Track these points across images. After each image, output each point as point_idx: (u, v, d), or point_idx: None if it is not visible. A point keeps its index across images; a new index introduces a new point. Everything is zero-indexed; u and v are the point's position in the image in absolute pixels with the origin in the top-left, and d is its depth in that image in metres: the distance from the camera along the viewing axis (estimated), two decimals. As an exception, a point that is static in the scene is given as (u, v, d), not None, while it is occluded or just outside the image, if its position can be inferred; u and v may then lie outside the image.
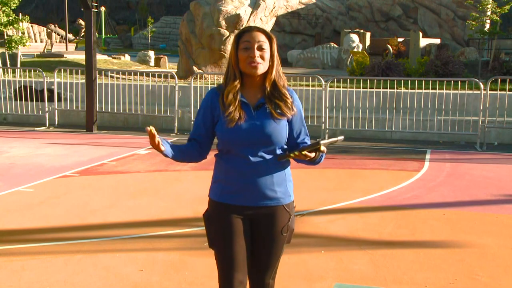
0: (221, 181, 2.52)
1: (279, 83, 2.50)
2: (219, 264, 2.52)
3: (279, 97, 2.49)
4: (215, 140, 2.59)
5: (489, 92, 10.47)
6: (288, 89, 2.54)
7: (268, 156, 2.47)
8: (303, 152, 2.36)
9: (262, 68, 2.45)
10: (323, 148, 2.37)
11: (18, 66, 16.81)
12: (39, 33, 41.88)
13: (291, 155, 2.40)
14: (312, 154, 2.39)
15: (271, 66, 2.48)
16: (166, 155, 2.47)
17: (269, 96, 2.48)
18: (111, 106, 12.32)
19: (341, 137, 2.49)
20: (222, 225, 2.50)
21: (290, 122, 2.52)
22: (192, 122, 11.67)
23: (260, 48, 2.44)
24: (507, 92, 10.88)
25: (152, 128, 2.30)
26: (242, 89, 2.49)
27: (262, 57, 2.44)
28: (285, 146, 2.55)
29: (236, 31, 17.76)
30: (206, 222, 2.59)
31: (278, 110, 2.46)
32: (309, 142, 2.60)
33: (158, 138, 2.35)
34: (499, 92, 11.03)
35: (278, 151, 2.50)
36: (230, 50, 2.53)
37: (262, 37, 2.45)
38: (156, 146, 2.38)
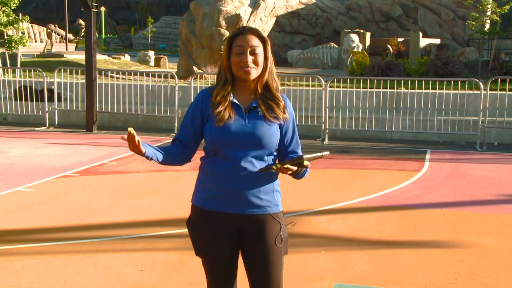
0: (205, 185, 2.44)
1: (272, 85, 2.43)
2: (207, 273, 2.48)
3: (272, 99, 2.42)
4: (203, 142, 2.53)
5: (489, 92, 10.47)
6: (281, 94, 2.47)
7: (256, 162, 2.37)
8: (285, 166, 2.28)
9: (255, 73, 2.38)
10: (306, 163, 2.29)
11: (18, 66, 16.82)
12: (39, 33, 41.91)
13: (273, 167, 2.31)
14: (295, 168, 2.30)
15: (264, 69, 2.41)
16: (148, 157, 2.38)
17: (262, 98, 2.41)
18: (111, 106, 12.32)
19: (326, 152, 2.39)
20: (207, 233, 2.42)
21: (281, 128, 2.44)
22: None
23: (253, 53, 2.36)
24: (507, 92, 10.88)
25: (131, 129, 2.24)
26: (234, 91, 2.43)
27: (255, 62, 2.36)
28: (275, 153, 2.47)
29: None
30: (190, 230, 2.50)
31: (270, 112, 2.39)
32: (300, 152, 2.53)
33: (138, 137, 2.27)
34: (499, 92, 11.03)
35: (268, 158, 2.42)
36: (222, 53, 2.45)
37: (255, 41, 2.37)
38: (136, 148, 2.30)
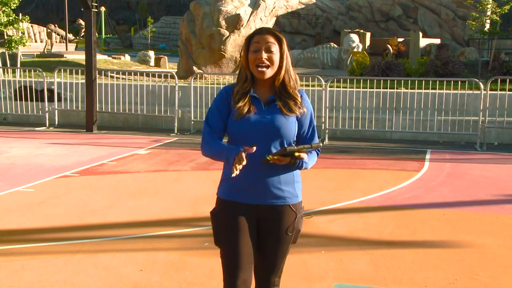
0: (229, 178, 2.53)
1: (288, 84, 2.54)
2: (224, 261, 2.54)
3: (288, 97, 2.53)
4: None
5: (489, 92, 10.47)
6: (299, 90, 2.58)
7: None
8: (275, 157, 2.40)
9: (269, 72, 2.49)
10: (297, 154, 2.40)
11: (18, 66, 16.81)
12: (39, 33, 41.90)
13: (268, 158, 2.41)
14: (287, 159, 2.41)
15: (280, 67, 2.51)
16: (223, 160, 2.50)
17: (279, 95, 2.53)
18: (111, 106, 12.32)
19: (317, 144, 2.50)
20: (228, 222, 2.52)
21: (299, 121, 2.55)
22: (192, 122, 11.76)
23: (269, 50, 2.47)
24: (507, 92, 10.88)
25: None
26: (253, 87, 2.54)
27: (270, 59, 2.47)
28: (294, 145, 2.56)
29: (236, 31, 17.80)
30: (212, 219, 2.60)
31: (287, 108, 2.51)
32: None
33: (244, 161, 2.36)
34: (499, 92, 11.03)
35: None
36: (241, 52, 2.59)
37: (271, 39, 2.49)
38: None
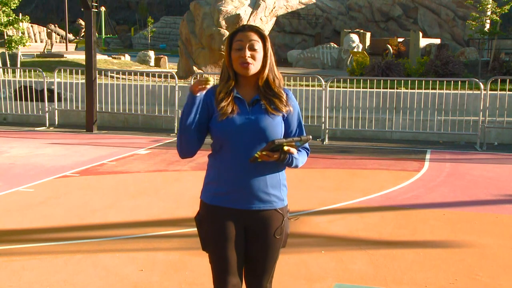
0: (213, 182, 2.47)
1: (273, 82, 2.47)
2: (213, 267, 2.50)
3: (273, 95, 2.46)
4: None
5: (489, 92, 10.47)
6: (284, 88, 2.52)
7: None
8: (264, 152, 2.32)
9: (253, 68, 2.43)
10: (286, 148, 2.33)
11: (18, 66, 16.82)
12: (39, 33, 41.95)
13: (256, 155, 2.33)
14: (276, 155, 2.33)
15: (264, 66, 2.45)
16: (194, 104, 2.39)
17: (264, 94, 2.46)
18: (111, 106, 12.31)
19: (307, 137, 2.41)
20: (214, 228, 2.46)
21: (285, 120, 2.48)
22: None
23: (252, 48, 2.41)
24: (507, 92, 10.88)
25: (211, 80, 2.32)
26: (237, 87, 2.48)
27: (253, 57, 2.41)
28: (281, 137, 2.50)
29: (235, 31, 17.81)
30: (198, 225, 2.56)
31: (273, 106, 2.44)
32: (305, 145, 2.58)
33: (208, 87, 2.34)
34: (499, 92, 11.03)
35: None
36: (224, 50, 2.51)
37: (254, 37, 2.43)
38: (197, 88, 2.34)
